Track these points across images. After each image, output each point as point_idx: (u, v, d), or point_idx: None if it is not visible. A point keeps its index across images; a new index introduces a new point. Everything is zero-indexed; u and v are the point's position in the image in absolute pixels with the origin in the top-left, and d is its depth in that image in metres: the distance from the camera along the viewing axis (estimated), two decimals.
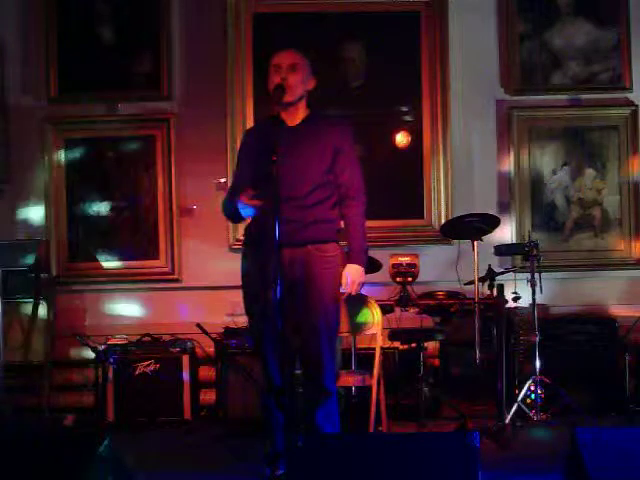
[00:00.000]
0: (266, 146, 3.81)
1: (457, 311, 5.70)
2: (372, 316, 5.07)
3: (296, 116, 4.10)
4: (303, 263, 3.98)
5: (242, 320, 5.36)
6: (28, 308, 6.07)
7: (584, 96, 6.59)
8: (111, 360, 5.81)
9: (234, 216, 4.10)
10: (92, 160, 6.53)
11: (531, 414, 5.39)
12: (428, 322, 6.03)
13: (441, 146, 6.49)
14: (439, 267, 6.24)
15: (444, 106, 6.49)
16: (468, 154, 6.54)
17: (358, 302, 4.94)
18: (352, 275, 4.04)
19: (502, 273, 5.70)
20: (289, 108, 4.05)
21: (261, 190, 3.94)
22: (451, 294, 5.81)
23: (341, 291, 4.06)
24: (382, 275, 5.76)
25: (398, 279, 5.74)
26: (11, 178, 6.48)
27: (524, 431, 5.32)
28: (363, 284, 4.11)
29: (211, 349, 5.91)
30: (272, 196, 3.75)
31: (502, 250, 5.91)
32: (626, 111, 6.56)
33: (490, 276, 5.61)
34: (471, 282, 5.52)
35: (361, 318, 5.07)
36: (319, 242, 4.02)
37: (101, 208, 6.52)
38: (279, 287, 3.68)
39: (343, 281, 4.04)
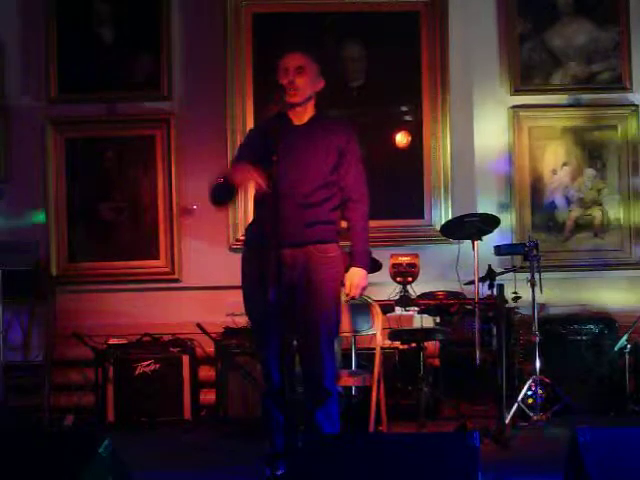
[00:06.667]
0: (269, 144, 3.82)
1: (457, 311, 5.69)
2: (372, 316, 5.07)
3: (303, 116, 4.10)
4: (303, 263, 3.98)
5: (242, 320, 5.38)
6: (28, 308, 6.07)
7: (584, 96, 6.59)
8: (111, 360, 5.82)
9: (221, 196, 4.09)
10: (92, 160, 6.53)
11: (531, 414, 5.39)
12: (428, 322, 6.03)
13: (441, 146, 6.49)
14: (439, 267, 6.23)
15: (444, 106, 6.49)
16: (468, 154, 6.54)
17: (358, 302, 4.94)
18: (355, 279, 4.04)
19: (502, 273, 5.70)
20: (297, 109, 4.06)
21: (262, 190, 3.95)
22: (451, 294, 5.80)
23: (345, 294, 4.06)
24: (382, 275, 5.76)
25: (398, 279, 5.73)
26: (11, 178, 6.48)
27: (524, 431, 5.32)
28: (365, 288, 4.11)
29: (211, 349, 5.91)
30: (272, 196, 3.75)
31: (502, 250, 5.91)
32: (626, 111, 6.57)
33: (490, 276, 5.61)
34: (471, 282, 5.52)
35: (361, 318, 5.09)
36: (319, 242, 4.02)
37: (101, 208, 6.52)
38: (279, 287, 3.68)
39: (346, 284, 4.04)
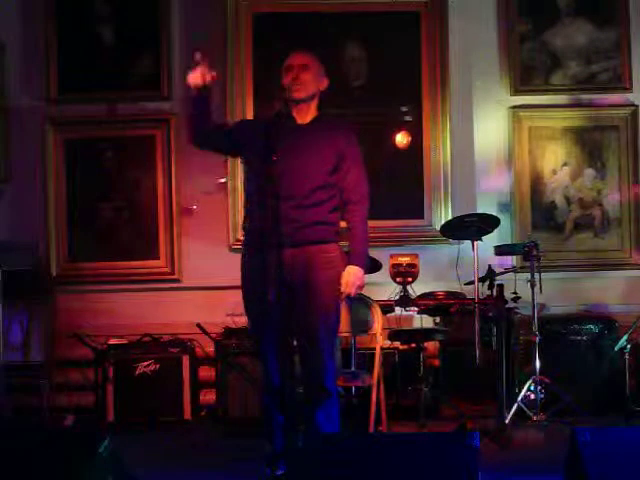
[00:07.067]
0: (270, 143, 3.82)
1: (457, 311, 5.69)
2: (372, 316, 5.07)
3: (306, 115, 4.12)
4: (303, 263, 3.98)
5: (242, 320, 5.38)
6: (28, 308, 6.07)
7: (584, 96, 6.59)
8: (111, 360, 5.82)
9: (194, 117, 4.11)
10: (92, 160, 6.53)
11: (531, 414, 5.39)
12: (428, 322, 6.03)
13: (441, 146, 6.49)
14: (439, 267, 6.23)
15: (444, 106, 6.49)
16: (468, 154, 6.54)
17: (358, 302, 4.94)
18: (351, 276, 4.04)
19: (502, 273, 5.70)
20: (300, 106, 4.07)
21: (260, 189, 3.96)
22: (451, 294, 5.80)
23: (340, 291, 4.07)
24: (382, 275, 5.76)
25: (398, 279, 5.73)
26: (11, 178, 6.48)
27: (524, 431, 5.32)
28: (362, 287, 4.11)
29: (211, 349, 5.91)
30: (271, 196, 3.76)
31: (502, 250, 5.91)
32: (626, 111, 6.57)
33: (490, 276, 5.60)
34: (471, 282, 5.51)
35: (361, 318, 5.09)
36: (319, 242, 4.02)
37: (101, 208, 6.52)
38: (279, 288, 3.68)
39: (342, 282, 4.04)
